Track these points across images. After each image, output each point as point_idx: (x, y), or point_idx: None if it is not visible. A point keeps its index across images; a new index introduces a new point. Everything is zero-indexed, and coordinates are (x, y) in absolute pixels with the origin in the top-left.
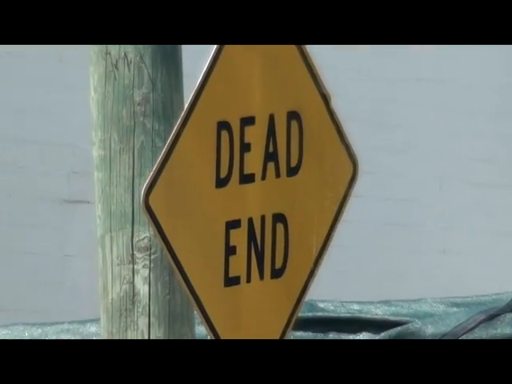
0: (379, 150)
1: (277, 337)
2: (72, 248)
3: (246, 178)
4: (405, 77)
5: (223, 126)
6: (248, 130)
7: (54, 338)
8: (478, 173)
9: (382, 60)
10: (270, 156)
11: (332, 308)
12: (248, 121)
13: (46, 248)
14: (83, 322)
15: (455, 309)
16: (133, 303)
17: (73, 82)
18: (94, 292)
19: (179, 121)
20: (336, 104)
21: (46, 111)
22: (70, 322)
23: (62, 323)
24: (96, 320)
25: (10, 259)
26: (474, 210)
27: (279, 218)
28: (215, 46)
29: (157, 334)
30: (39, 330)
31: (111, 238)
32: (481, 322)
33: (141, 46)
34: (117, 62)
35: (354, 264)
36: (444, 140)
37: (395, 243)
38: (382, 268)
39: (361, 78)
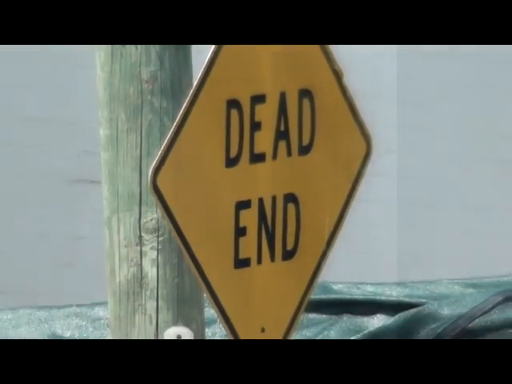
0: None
1: (288, 319)
2: (82, 229)
3: (257, 158)
4: None
5: (233, 104)
6: (258, 108)
7: (61, 321)
8: (503, 151)
9: None
10: (281, 134)
11: (346, 290)
12: (259, 99)
13: (55, 229)
14: (92, 306)
15: (472, 290)
16: (140, 286)
17: (83, 59)
18: (104, 274)
19: (188, 99)
20: (352, 80)
21: (56, 89)
22: (79, 305)
23: (71, 306)
24: (105, 303)
25: (18, 240)
26: (497, 190)
27: (290, 198)
28: None
29: (165, 318)
30: (46, 314)
31: (118, 219)
32: (498, 304)
33: None
34: None
35: (370, 245)
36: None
37: (416, 223)
38: (400, 249)
39: None
